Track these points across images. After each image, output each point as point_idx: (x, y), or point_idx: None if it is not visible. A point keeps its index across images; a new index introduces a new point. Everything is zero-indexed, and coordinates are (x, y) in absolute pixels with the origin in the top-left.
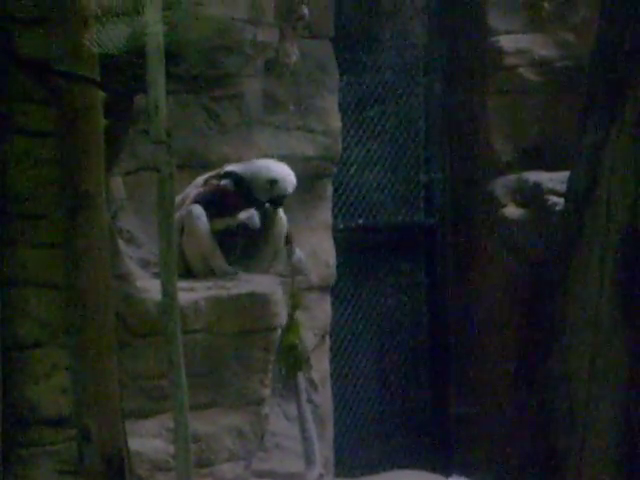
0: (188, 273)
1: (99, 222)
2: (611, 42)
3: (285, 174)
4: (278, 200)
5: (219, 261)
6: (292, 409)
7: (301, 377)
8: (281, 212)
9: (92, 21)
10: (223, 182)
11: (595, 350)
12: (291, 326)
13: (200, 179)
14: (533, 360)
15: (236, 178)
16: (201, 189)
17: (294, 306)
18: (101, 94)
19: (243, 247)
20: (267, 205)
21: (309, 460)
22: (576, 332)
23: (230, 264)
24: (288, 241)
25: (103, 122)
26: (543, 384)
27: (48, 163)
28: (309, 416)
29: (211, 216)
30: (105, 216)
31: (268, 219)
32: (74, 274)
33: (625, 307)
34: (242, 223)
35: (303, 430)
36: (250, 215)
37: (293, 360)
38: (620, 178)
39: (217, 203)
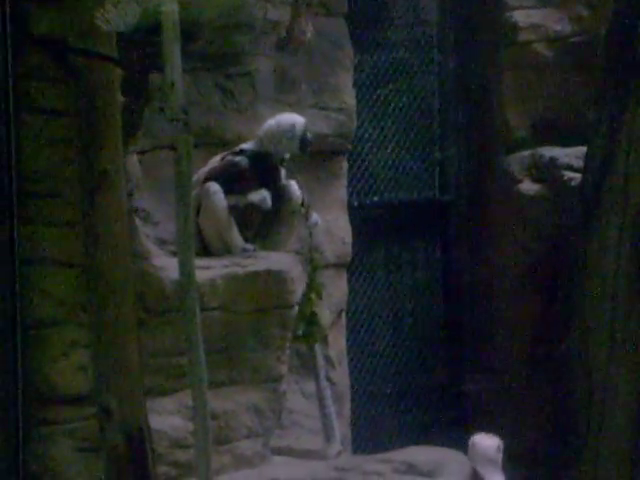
0: (205, 251)
1: (117, 201)
2: (628, 18)
3: (301, 118)
4: (305, 143)
5: (236, 238)
6: (309, 386)
7: (319, 353)
8: (295, 187)
9: None
10: (237, 159)
11: (614, 326)
12: (310, 292)
13: (216, 158)
14: (550, 337)
15: (250, 155)
16: (215, 165)
17: (313, 269)
18: (118, 72)
19: (259, 224)
20: (283, 181)
21: (328, 437)
22: (594, 308)
23: (247, 241)
24: (304, 206)
25: (120, 100)
26: (560, 361)
27: (65, 142)
28: (328, 393)
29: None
30: (123, 195)
31: (282, 196)
32: (93, 253)
33: None
34: (252, 203)
35: (322, 407)
36: (262, 197)
37: (311, 327)
38: (637, 152)
39: (230, 180)
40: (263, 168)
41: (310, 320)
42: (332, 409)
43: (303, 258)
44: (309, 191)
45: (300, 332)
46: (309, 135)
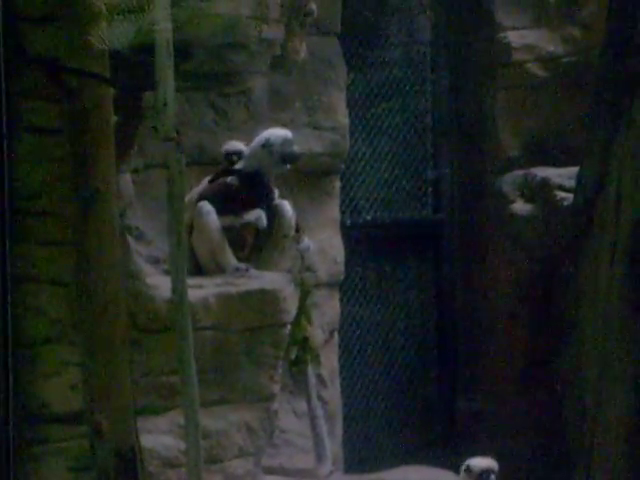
0: (198, 270)
1: (109, 219)
2: (620, 37)
3: (283, 131)
4: (288, 156)
5: (229, 258)
6: (301, 405)
7: (311, 373)
8: (287, 206)
9: (101, 18)
10: (229, 179)
11: (606, 346)
12: (301, 316)
13: (207, 179)
14: (542, 356)
15: (241, 174)
16: (207, 186)
17: (304, 294)
18: (111, 91)
19: (252, 244)
20: (276, 200)
21: (320, 456)
22: (586, 327)
23: (240, 261)
24: (297, 230)
25: (113, 119)
26: (553, 380)
27: (58, 160)
28: (319, 412)
29: (217, 213)
30: (115, 213)
31: (275, 215)
32: (85, 271)
33: (636, 302)
34: (246, 223)
35: (313, 426)
36: (257, 216)
37: (303, 352)
38: (630, 173)
39: (224, 201)
40: (255, 187)
41: (302, 345)
42: (324, 428)
43: (295, 279)
44: (302, 210)
45: (293, 357)
46: (294, 148)
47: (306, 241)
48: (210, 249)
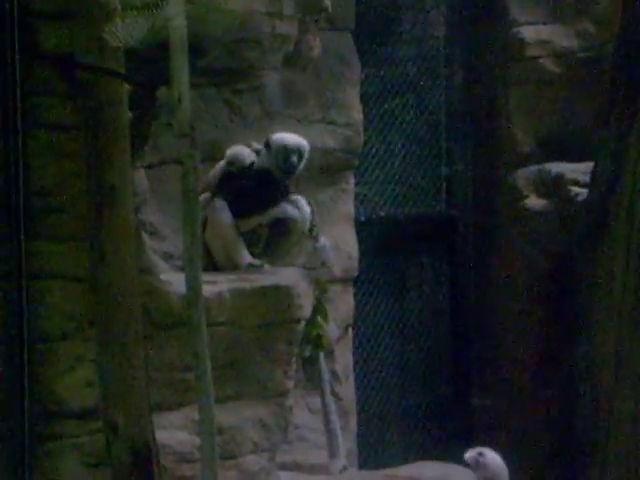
0: (212, 266)
1: (124, 216)
2: (634, 32)
3: (287, 138)
4: (285, 165)
5: (243, 254)
6: (315, 401)
7: (325, 369)
8: (304, 203)
9: (115, 15)
10: (242, 181)
11: (620, 342)
12: (317, 312)
13: (221, 164)
14: (556, 352)
15: (252, 174)
16: (223, 183)
17: (321, 291)
18: (126, 87)
19: (267, 239)
20: (292, 196)
21: (333, 452)
22: (600, 323)
23: (255, 256)
24: (313, 229)
25: (128, 115)
26: (566, 379)
27: (72, 157)
28: (333, 408)
29: (238, 216)
30: (130, 210)
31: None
32: (100, 267)
33: None
34: (276, 219)
35: (327, 422)
36: (283, 210)
37: (316, 350)
38: None
39: (244, 202)
40: (268, 184)
41: (316, 343)
42: (337, 424)
43: (312, 275)
44: (316, 206)
45: (307, 354)
46: (292, 159)
47: (322, 239)
48: (223, 245)
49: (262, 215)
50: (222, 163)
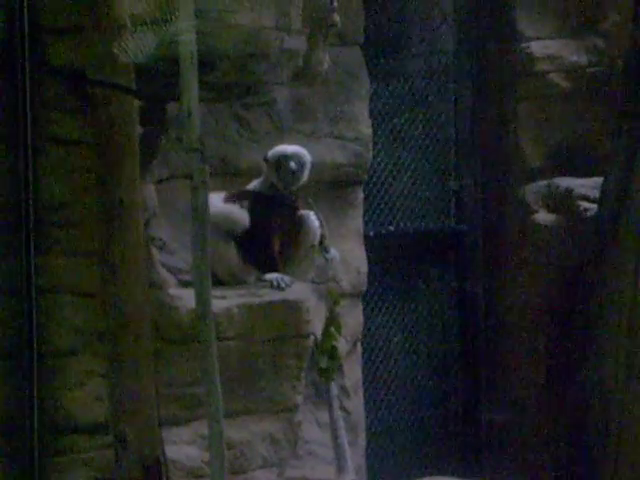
0: (219, 281)
1: (134, 230)
2: None
3: (287, 148)
4: (283, 175)
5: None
6: (324, 416)
7: (333, 383)
8: (312, 217)
9: (125, 30)
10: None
11: (630, 357)
12: (331, 324)
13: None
14: (566, 366)
15: (257, 194)
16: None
17: (334, 303)
18: (136, 102)
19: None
20: (302, 211)
21: (340, 467)
22: (611, 338)
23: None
24: (322, 241)
25: (138, 130)
26: (576, 391)
27: (82, 172)
28: (341, 423)
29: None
30: (140, 224)
31: (301, 227)
32: (110, 282)
33: None
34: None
35: (335, 437)
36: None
37: (332, 361)
38: None
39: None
40: (277, 201)
41: (331, 354)
42: (345, 439)
43: (322, 289)
44: (325, 221)
45: (322, 366)
46: (291, 165)
47: (332, 251)
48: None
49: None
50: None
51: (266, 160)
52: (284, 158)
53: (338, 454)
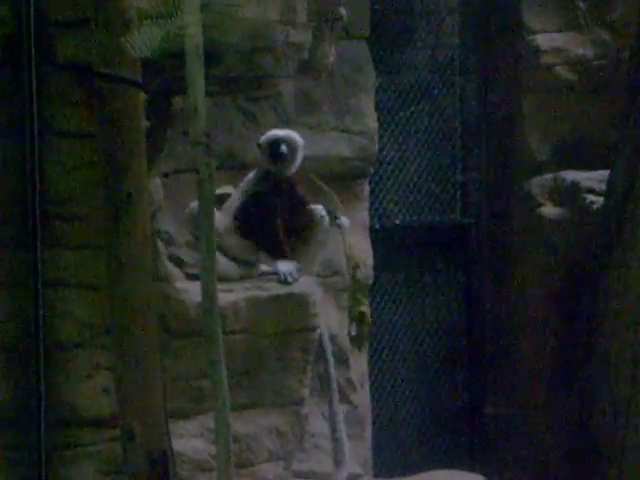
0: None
1: (141, 224)
2: None
3: (276, 131)
4: (274, 155)
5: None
6: None
7: (334, 376)
8: (323, 212)
9: (132, 23)
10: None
11: (636, 351)
12: (356, 292)
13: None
14: (572, 360)
15: (256, 187)
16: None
17: (355, 269)
18: (142, 96)
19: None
20: (310, 206)
21: (338, 461)
22: (617, 333)
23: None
24: (333, 211)
25: (144, 124)
26: (583, 387)
27: (89, 165)
28: (340, 416)
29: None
30: (146, 218)
31: (309, 221)
32: (116, 275)
33: None
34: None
35: (333, 430)
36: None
37: (361, 326)
38: None
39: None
40: (275, 189)
41: (360, 320)
42: (343, 433)
43: (328, 282)
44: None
45: (354, 333)
46: (282, 148)
47: (343, 218)
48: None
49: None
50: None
51: (259, 145)
52: (275, 142)
53: (336, 448)
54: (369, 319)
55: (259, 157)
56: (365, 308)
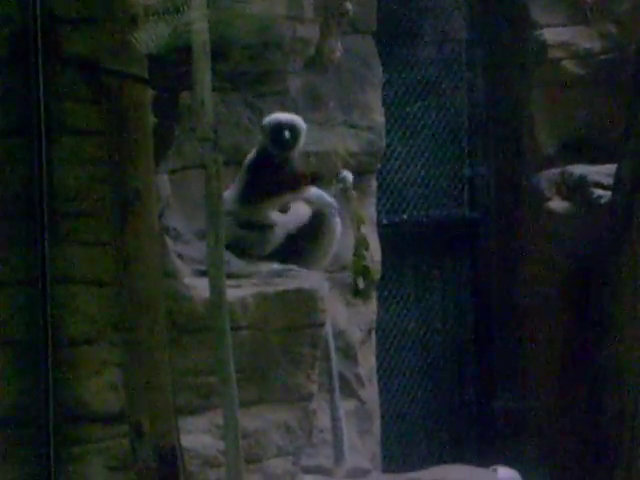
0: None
1: (149, 220)
2: None
3: (281, 116)
4: (279, 141)
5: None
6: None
7: (336, 371)
8: (336, 217)
9: (139, 19)
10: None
11: None
12: (360, 245)
13: None
14: (581, 354)
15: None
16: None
17: (358, 223)
18: (149, 92)
19: (288, 242)
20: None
21: (337, 457)
22: (626, 325)
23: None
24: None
25: (152, 120)
26: (592, 379)
27: (96, 161)
28: (341, 412)
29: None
30: (155, 214)
31: (320, 219)
32: (125, 271)
33: None
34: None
35: (334, 426)
36: (318, 194)
37: (365, 280)
38: None
39: (263, 181)
40: (271, 164)
41: (364, 274)
42: (344, 429)
43: (336, 278)
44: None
45: (360, 287)
46: (285, 134)
47: (344, 172)
48: None
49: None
50: None
51: (262, 127)
52: (279, 128)
53: (336, 443)
54: (373, 273)
55: (261, 137)
56: (368, 263)
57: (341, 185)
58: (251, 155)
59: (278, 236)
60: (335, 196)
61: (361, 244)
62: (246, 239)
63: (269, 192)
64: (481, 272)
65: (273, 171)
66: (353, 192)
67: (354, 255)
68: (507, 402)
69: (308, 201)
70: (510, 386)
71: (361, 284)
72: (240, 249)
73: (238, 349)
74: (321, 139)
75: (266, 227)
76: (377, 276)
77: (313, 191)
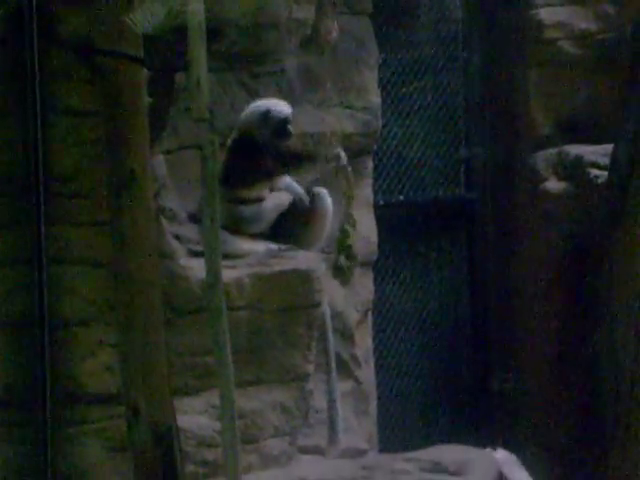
0: None
1: (144, 201)
2: None
3: (285, 107)
4: (284, 134)
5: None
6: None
7: (333, 353)
8: (326, 195)
9: (135, 0)
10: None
11: None
12: (347, 221)
13: None
14: (577, 335)
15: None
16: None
17: (348, 201)
18: (144, 72)
19: (278, 222)
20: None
21: (331, 438)
22: (622, 307)
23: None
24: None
25: (147, 100)
26: (588, 360)
27: (92, 142)
28: (337, 394)
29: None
30: (150, 195)
31: (314, 203)
32: (121, 252)
33: None
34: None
35: (329, 407)
36: (288, 184)
37: (347, 259)
38: None
39: (239, 170)
40: (256, 153)
41: (347, 253)
42: (339, 410)
43: (332, 258)
44: (334, 189)
45: (340, 263)
46: (290, 129)
47: (338, 149)
48: None
49: (269, 182)
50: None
51: (269, 116)
52: (285, 121)
53: (330, 424)
54: (355, 254)
55: (256, 124)
56: (352, 242)
57: (334, 163)
58: (234, 136)
59: (270, 211)
60: (330, 174)
61: (349, 222)
62: (236, 214)
63: (244, 179)
64: (477, 253)
65: (252, 157)
66: (349, 169)
67: (339, 231)
68: (503, 383)
69: (279, 190)
70: (506, 367)
71: (341, 261)
72: (233, 228)
73: (234, 330)
74: (317, 120)
75: (255, 201)
76: (373, 257)
77: (285, 180)
